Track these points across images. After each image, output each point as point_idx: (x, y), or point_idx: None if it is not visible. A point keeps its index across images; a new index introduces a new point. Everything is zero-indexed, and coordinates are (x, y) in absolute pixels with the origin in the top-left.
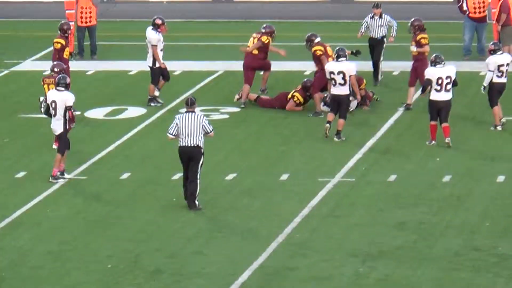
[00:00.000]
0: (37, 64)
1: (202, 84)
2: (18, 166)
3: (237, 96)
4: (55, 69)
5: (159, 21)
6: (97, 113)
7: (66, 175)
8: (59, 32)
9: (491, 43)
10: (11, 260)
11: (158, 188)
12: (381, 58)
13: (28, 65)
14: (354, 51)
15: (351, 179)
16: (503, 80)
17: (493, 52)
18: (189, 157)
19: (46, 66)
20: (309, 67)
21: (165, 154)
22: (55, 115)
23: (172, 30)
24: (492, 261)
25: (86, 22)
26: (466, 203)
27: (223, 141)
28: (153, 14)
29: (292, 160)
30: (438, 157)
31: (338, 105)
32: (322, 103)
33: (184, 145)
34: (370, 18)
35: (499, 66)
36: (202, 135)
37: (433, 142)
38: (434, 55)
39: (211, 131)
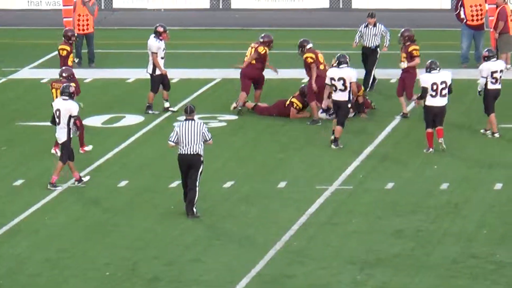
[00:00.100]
0: (35, 72)
1: (199, 92)
2: (16, 174)
3: (234, 105)
4: (64, 74)
5: (160, 29)
6: (95, 121)
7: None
8: (63, 38)
9: (486, 49)
10: (9, 268)
11: (156, 196)
12: (375, 67)
13: (26, 73)
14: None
15: (349, 187)
16: (498, 86)
17: (487, 58)
18: (189, 165)
19: (44, 74)
20: (305, 75)
21: (163, 161)
22: (59, 123)
23: (169, 38)
24: (490, 268)
25: (83, 30)
26: (463, 210)
27: (221, 149)
28: (151, 22)
29: (290, 167)
30: (436, 164)
31: (339, 111)
32: (321, 110)
33: (184, 152)
34: (364, 27)
35: (492, 73)
36: (202, 143)
37: (431, 150)
38: (429, 61)
39: (210, 139)
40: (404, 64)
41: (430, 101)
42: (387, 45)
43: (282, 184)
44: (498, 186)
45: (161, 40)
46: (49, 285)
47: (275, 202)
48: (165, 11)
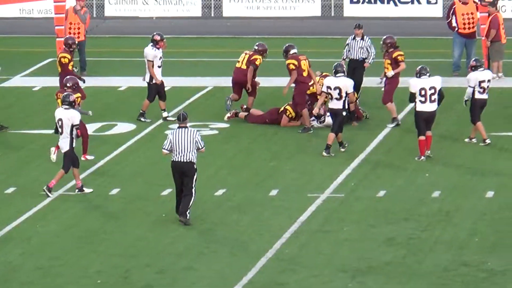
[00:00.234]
0: (26, 80)
1: (191, 100)
2: (8, 181)
3: (228, 115)
4: (68, 84)
5: (157, 37)
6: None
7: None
8: (64, 46)
9: (473, 59)
10: (1, 276)
11: (148, 204)
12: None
13: (17, 81)
14: None
15: (341, 195)
16: (485, 96)
17: (474, 68)
18: (182, 172)
19: (35, 82)
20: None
21: (155, 169)
22: (61, 133)
23: (166, 47)
24: (481, 276)
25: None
26: (455, 218)
27: (213, 157)
28: (142, 30)
29: (282, 175)
30: (427, 172)
31: (334, 119)
32: (312, 118)
33: (177, 160)
34: (352, 39)
35: (480, 82)
36: (195, 151)
37: (422, 157)
38: (419, 66)
39: (202, 147)
40: (391, 73)
41: (420, 107)
42: (370, 63)
43: (273, 192)
44: (490, 194)
45: (158, 48)
46: None
47: (267, 210)
48: (157, 19)
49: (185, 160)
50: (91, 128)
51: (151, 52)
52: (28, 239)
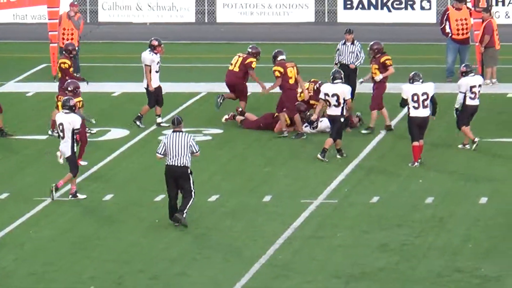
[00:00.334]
0: (20, 86)
1: (185, 105)
2: (1, 187)
3: (226, 117)
4: (69, 88)
5: (155, 42)
6: None
7: (80, 196)
8: (64, 53)
9: (463, 65)
10: None
11: (142, 210)
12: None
13: (11, 86)
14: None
15: (334, 201)
16: (476, 102)
17: (465, 74)
18: (176, 177)
19: (29, 88)
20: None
21: (148, 175)
22: (63, 137)
23: (164, 52)
24: (475, 282)
25: None
26: (448, 224)
27: (206, 162)
28: (136, 36)
29: (276, 181)
30: (421, 178)
31: (333, 125)
32: (305, 124)
33: (171, 164)
34: (342, 44)
35: (471, 88)
36: (189, 155)
37: (416, 163)
38: (412, 72)
39: (197, 151)
40: (380, 77)
41: (413, 113)
42: (356, 65)
43: (267, 198)
44: (483, 200)
45: (156, 53)
46: None
47: (261, 215)
48: (151, 25)
49: (179, 164)
50: None
51: (149, 57)
52: (22, 245)
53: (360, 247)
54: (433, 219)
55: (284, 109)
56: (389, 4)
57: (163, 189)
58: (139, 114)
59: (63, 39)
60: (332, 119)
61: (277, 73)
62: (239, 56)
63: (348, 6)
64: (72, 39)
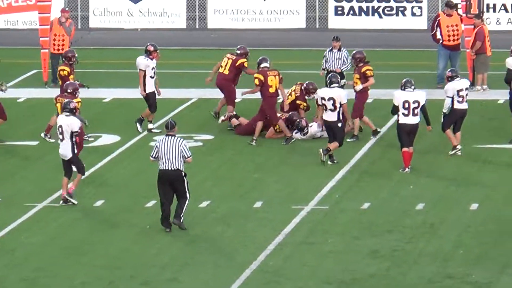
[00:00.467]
0: (11, 92)
1: (176, 111)
2: None
3: (222, 118)
4: (68, 90)
5: (151, 48)
6: None
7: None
8: (63, 59)
9: (448, 70)
10: None
11: (133, 215)
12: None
13: (1, 92)
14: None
15: (325, 207)
16: (464, 106)
17: (451, 78)
18: (170, 181)
19: (20, 94)
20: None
21: (139, 181)
22: (62, 139)
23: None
24: None
25: (59, 50)
26: (439, 230)
27: (197, 168)
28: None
29: (266, 187)
30: (412, 184)
31: (333, 133)
32: (295, 131)
33: (164, 168)
34: (329, 51)
35: (458, 91)
36: (181, 159)
37: (407, 169)
38: (404, 79)
39: (188, 157)
40: (359, 87)
41: (403, 120)
42: (342, 69)
43: (258, 204)
44: (474, 206)
45: (151, 59)
46: None
47: (251, 221)
48: (142, 31)
49: (172, 168)
50: None
51: (143, 62)
52: (13, 251)
53: (351, 253)
54: (424, 225)
55: (267, 117)
56: (380, 10)
57: (154, 195)
58: (140, 117)
59: (54, 45)
60: (328, 125)
61: (256, 81)
62: (229, 58)
63: (339, 12)
64: (63, 45)
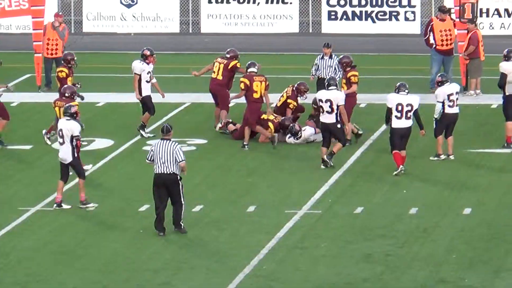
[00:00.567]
0: (4, 96)
1: (169, 116)
2: None
3: (219, 125)
4: (66, 94)
5: (147, 52)
6: None
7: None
8: (62, 62)
9: (438, 75)
10: None
11: (126, 220)
12: None
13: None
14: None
15: (318, 211)
16: (455, 110)
17: (440, 83)
18: (165, 185)
19: (13, 98)
20: (274, 99)
21: (132, 185)
22: (63, 143)
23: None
24: None
25: (52, 54)
26: (432, 235)
27: (190, 173)
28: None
29: (259, 192)
30: (405, 189)
31: (330, 134)
32: (288, 135)
33: (159, 172)
34: (320, 58)
35: (448, 96)
36: (176, 163)
37: (400, 167)
38: (399, 83)
39: (181, 160)
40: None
41: (396, 123)
42: (338, 77)
43: (251, 208)
44: (467, 210)
45: (147, 63)
46: None
47: (244, 226)
48: (135, 35)
49: (167, 172)
50: None
51: (139, 66)
52: (6, 255)
53: (344, 258)
54: (417, 229)
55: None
56: (373, 15)
57: (148, 199)
58: (142, 123)
59: (48, 49)
60: (325, 127)
61: (242, 85)
62: (220, 63)
63: (333, 17)
64: (56, 49)
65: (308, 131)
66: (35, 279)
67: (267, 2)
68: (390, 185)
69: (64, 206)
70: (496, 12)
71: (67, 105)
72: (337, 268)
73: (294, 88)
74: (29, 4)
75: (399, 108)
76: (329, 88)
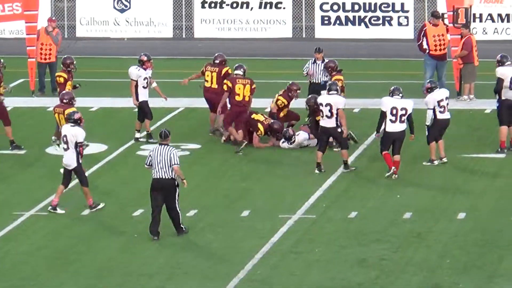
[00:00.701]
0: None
1: (163, 121)
2: None
3: (223, 138)
4: (64, 100)
5: (144, 58)
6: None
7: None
8: (62, 66)
9: (427, 81)
10: None
11: (120, 224)
12: None
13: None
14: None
15: (312, 216)
16: (447, 116)
17: (430, 90)
18: (163, 190)
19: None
20: (267, 104)
21: (126, 190)
22: (67, 148)
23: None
24: None
25: (45, 59)
26: (426, 240)
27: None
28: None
29: (253, 196)
30: (399, 194)
31: (328, 138)
32: (282, 140)
33: (157, 177)
34: (312, 63)
35: (439, 102)
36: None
37: (393, 169)
38: (393, 87)
39: (175, 164)
40: None
41: (390, 127)
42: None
43: (245, 213)
44: (461, 215)
45: (144, 69)
46: None
47: (238, 231)
48: (128, 40)
49: (165, 177)
50: (62, 148)
51: (135, 72)
52: (1, 259)
53: (338, 262)
54: (411, 234)
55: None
56: (366, 20)
57: (142, 204)
58: (146, 132)
59: (41, 54)
60: (324, 131)
61: (225, 87)
62: (212, 72)
63: (326, 22)
64: (50, 54)
65: (301, 136)
66: (30, 284)
67: (260, 7)
68: (384, 190)
69: (59, 210)
70: (489, 17)
71: (70, 112)
72: (332, 273)
73: (286, 88)
74: (23, 9)
75: (394, 111)
76: (330, 92)
